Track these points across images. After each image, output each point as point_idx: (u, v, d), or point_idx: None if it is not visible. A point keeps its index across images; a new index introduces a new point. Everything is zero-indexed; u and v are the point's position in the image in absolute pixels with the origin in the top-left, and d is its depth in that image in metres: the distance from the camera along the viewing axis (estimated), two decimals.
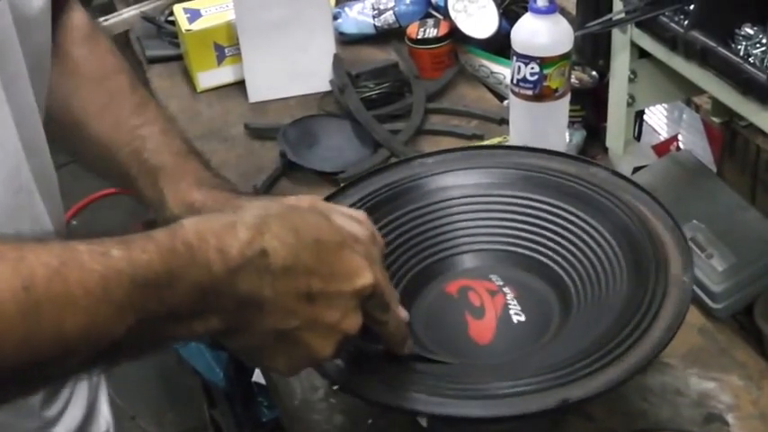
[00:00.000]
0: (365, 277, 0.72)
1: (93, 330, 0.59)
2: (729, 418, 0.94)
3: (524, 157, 1.06)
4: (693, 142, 1.35)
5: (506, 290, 0.96)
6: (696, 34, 1.01)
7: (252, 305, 0.67)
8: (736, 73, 0.98)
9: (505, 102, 1.54)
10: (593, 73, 1.40)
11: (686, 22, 1.03)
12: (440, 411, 0.78)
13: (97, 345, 0.60)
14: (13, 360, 0.56)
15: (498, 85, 1.59)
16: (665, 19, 1.06)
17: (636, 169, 1.26)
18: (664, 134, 1.44)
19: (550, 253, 0.98)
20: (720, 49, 0.99)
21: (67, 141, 0.96)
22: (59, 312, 0.57)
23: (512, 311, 0.93)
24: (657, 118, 1.45)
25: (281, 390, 1.03)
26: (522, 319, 0.93)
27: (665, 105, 1.41)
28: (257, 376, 1.70)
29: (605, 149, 1.36)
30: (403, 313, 0.82)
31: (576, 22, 1.22)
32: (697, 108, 1.33)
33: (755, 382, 0.98)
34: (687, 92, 1.21)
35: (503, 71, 1.57)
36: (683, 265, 0.88)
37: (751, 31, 1.00)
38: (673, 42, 1.05)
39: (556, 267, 0.97)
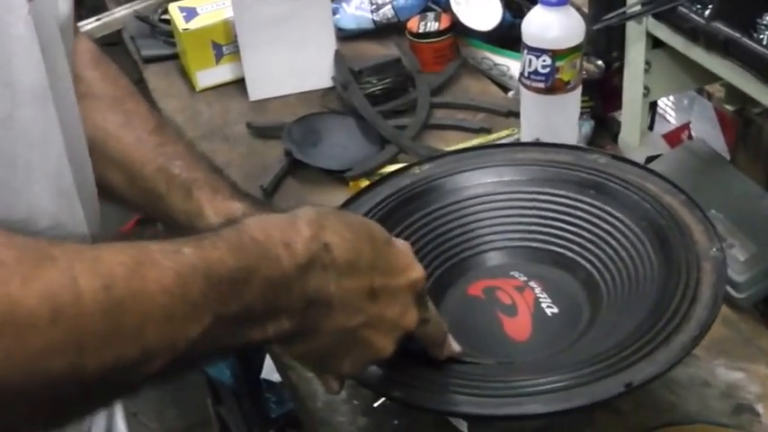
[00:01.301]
0: (416, 270, 0.74)
1: (172, 330, 0.58)
2: (759, 407, 0.95)
3: (534, 153, 1.06)
4: (704, 130, 1.35)
5: (532, 284, 0.95)
6: (718, 25, 1.00)
7: (320, 303, 0.67)
8: (761, 63, 0.97)
9: (510, 93, 1.53)
10: (599, 62, 1.39)
11: (707, 13, 1.02)
12: (517, 412, 0.77)
13: (175, 346, 0.59)
14: (95, 365, 0.55)
15: (502, 77, 1.58)
16: (683, 9, 1.05)
17: (649, 159, 1.25)
18: (673, 122, 1.43)
19: (567, 243, 0.98)
20: (744, 39, 0.98)
21: None
22: (140, 311, 0.56)
23: (543, 305, 0.93)
24: (665, 106, 1.45)
25: (301, 392, 1.02)
26: (556, 311, 0.92)
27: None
28: (266, 373, 1.69)
29: (614, 139, 1.36)
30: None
31: (589, 14, 1.21)
32: (709, 96, 1.33)
33: None
34: (701, 81, 1.21)
35: (506, 62, 1.56)
36: (708, 240, 0.89)
37: None
38: (693, 33, 1.04)
39: (575, 256, 0.97)
